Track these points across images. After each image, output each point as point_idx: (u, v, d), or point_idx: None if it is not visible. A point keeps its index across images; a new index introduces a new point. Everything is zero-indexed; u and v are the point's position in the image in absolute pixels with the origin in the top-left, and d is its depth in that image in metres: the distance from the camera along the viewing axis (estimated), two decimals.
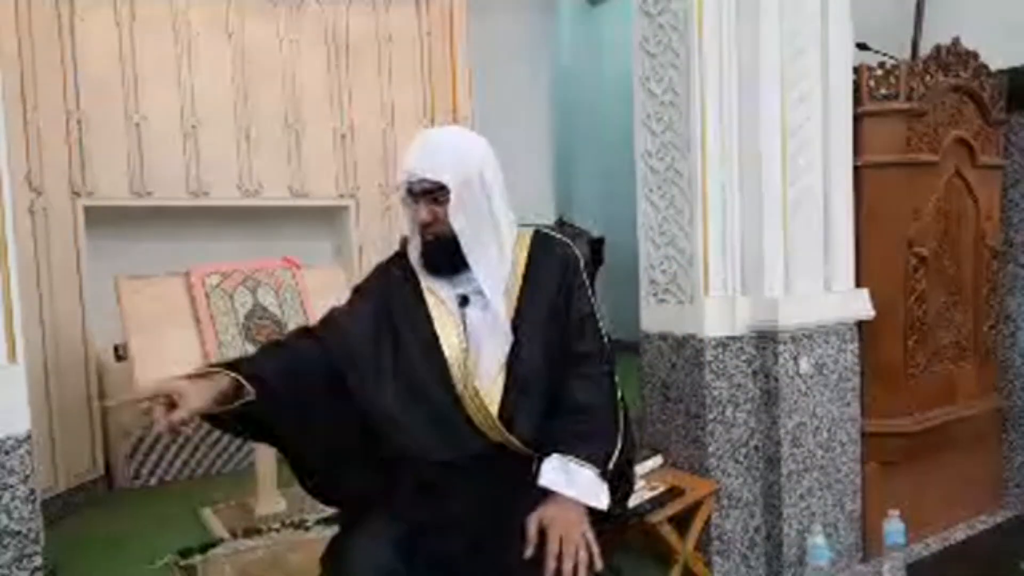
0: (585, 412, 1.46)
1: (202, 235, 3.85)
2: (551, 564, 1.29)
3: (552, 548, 1.30)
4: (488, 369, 1.48)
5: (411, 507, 1.43)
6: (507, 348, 1.49)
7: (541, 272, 1.56)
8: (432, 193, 1.46)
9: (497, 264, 1.53)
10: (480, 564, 1.38)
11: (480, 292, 1.52)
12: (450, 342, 1.50)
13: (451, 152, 1.48)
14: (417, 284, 1.56)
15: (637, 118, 2.55)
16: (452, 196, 1.45)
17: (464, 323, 1.51)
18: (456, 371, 1.48)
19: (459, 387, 1.47)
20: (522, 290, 1.54)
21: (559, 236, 1.65)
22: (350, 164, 4.21)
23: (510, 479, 1.45)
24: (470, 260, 1.49)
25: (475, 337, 1.50)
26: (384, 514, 1.42)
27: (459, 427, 1.46)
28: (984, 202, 2.75)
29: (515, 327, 1.51)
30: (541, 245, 1.59)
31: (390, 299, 1.56)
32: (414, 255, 1.57)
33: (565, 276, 1.57)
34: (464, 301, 1.53)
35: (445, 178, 1.45)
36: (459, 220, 1.47)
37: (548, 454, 1.41)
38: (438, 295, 1.54)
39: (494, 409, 1.46)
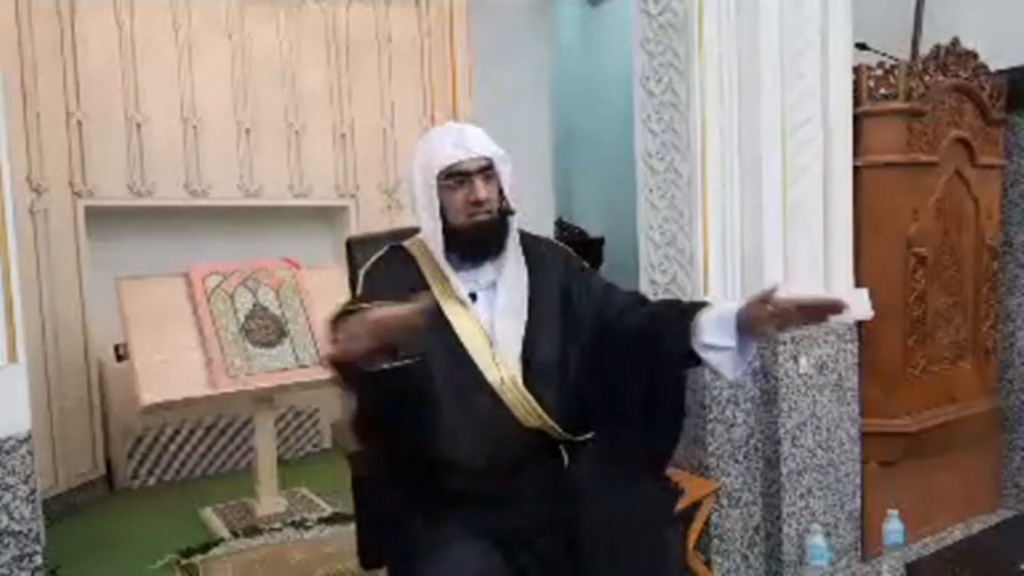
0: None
1: (202, 235, 3.85)
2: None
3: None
4: (506, 361, 1.49)
5: (484, 519, 1.38)
6: (521, 339, 1.50)
7: (539, 267, 1.58)
8: (484, 171, 1.49)
9: (516, 251, 1.56)
10: (566, 559, 1.37)
11: (487, 289, 1.53)
12: (472, 335, 1.49)
13: (488, 138, 1.53)
14: (422, 275, 1.55)
15: (637, 118, 2.55)
16: (502, 172, 1.51)
17: (479, 319, 1.52)
18: (487, 364, 1.47)
19: (494, 379, 1.46)
20: (528, 283, 1.56)
21: (538, 235, 1.69)
22: (350, 164, 4.21)
23: (557, 468, 1.47)
24: (509, 241, 1.52)
25: (487, 333, 1.51)
26: (457, 530, 1.36)
27: (496, 420, 1.45)
28: (984, 202, 2.76)
29: (528, 319, 1.52)
30: (530, 243, 1.62)
31: (392, 289, 1.52)
32: (432, 244, 1.54)
33: (569, 267, 1.61)
34: (472, 297, 1.53)
35: (499, 155, 1.50)
36: (510, 193, 1.53)
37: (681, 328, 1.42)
38: (453, 289, 1.52)
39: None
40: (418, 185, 1.52)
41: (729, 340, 1.37)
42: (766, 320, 1.32)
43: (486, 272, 1.53)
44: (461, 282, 1.53)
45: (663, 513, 1.50)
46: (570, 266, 1.61)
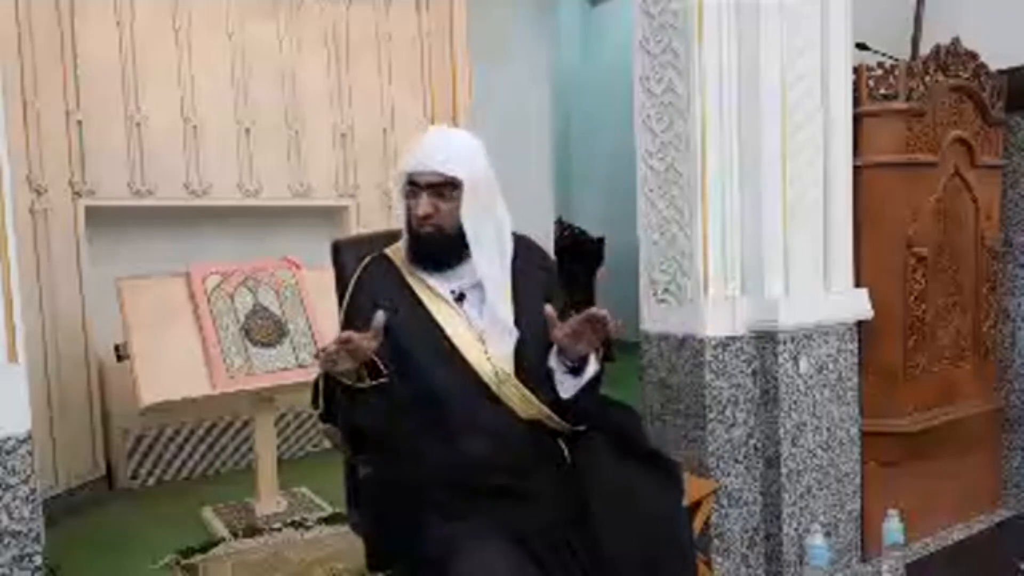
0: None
1: (202, 235, 3.85)
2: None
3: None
4: (498, 356, 1.50)
5: (501, 516, 1.37)
6: (513, 342, 1.51)
7: (527, 274, 1.60)
8: (437, 187, 1.47)
9: (498, 263, 1.55)
10: (582, 546, 1.38)
11: (474, 288, 1.53)
12: (462, 335, 1.50)
13: (464, 150, 1.50)
14: (405, 281, 1.56)
15: (637, 118, 2.55)
16: (465, 193, 1.47)
17: (467, 318, 1.52)
18: (480, 360, 1.48)
19: (489, 374, 1.47)
20: (514, 289, 1.56)
21: (534, 241, 1.70)
22: (350, 164, 4.21)
23: (560, 459, 1.49)
24: (475, 256, 1.50)
25: (477, 331, 1.52)
26: (480, 528, 1.34)
27: (496, 414, 1.46)
28: (983, 202, 2.76)
29: (516, 323, 1.53)
30: (523, 249, 1.63)
31: (378, 299, 1.53)
32: (403, 249, 1.56)
33: (550, 280, 1.64)
34: (460, 297, 1.54)
35: (460, 174, 1.46)
36: (469, 217, 1.48)
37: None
38: (434, 291, 1.54)
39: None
40: (399, 187, 1.55)
41: (554, 363, 1.49)
42: (562, 341, 1.43)
43: (470, 272, 1.54)
44: (445, 282, 1.54)
45: (668, 489, 1.48)
46: (551, 273, 1.66)
